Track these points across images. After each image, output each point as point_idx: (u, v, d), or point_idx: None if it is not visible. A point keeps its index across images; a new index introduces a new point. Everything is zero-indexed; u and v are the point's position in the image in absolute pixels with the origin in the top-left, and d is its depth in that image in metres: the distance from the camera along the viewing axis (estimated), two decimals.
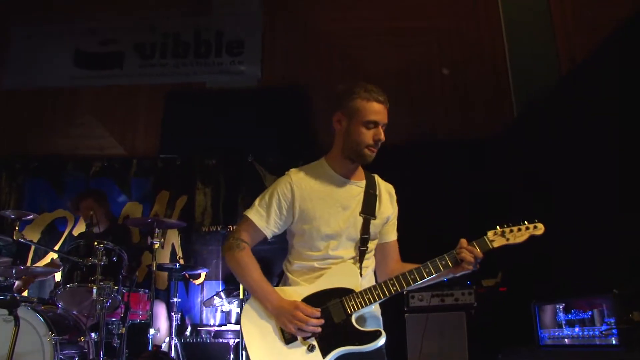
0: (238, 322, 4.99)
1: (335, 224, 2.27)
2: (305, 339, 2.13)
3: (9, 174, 6.30)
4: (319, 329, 2.11)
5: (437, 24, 6.49)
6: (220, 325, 5.26)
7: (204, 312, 5.57)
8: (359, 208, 2.31)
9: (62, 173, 6.34)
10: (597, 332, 2.61)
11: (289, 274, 2.33)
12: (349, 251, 2.28)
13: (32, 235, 5.90)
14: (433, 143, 6.02)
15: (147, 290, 4.67)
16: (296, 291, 2.24)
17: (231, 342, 5.00)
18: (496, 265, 4.86)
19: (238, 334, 4.86)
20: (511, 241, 2.16)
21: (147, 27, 6.84)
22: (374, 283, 2.27)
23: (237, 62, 6.61)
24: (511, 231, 2.17)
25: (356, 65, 6.37)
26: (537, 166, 4.69)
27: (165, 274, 5.56)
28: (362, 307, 2.15)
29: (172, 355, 4.44)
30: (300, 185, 2.30)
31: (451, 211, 5.30)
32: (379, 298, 2.15)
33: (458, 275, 2.21)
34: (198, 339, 5.33)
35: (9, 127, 6.57)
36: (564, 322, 2.84)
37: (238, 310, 5.00)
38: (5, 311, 3.36)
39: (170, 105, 6.49)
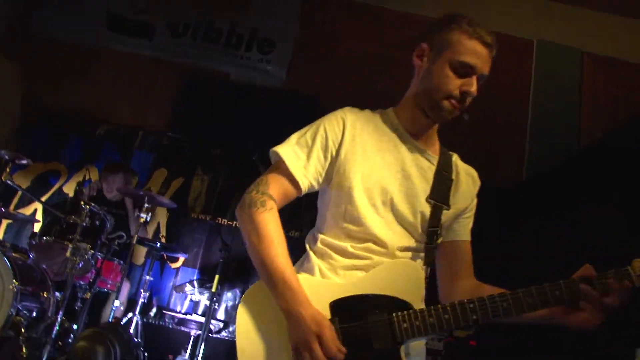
0: (204, 314, 4.92)
1: (390, 191, 1.63)
2: None
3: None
4: None
5: None
6: (186, 314, 5.19)
7: (174, 297, 5.49)
8: (427, 190, 1.68)
9: (66, 128, 6.30)
10: None
11: (311, 255, 1.66)
12: (399, 239, 1.62)
13: (22, 181, 5.84)
14: None
15: (121, 262, 4.60)
16: (322, 287, 1.54)
17: (193, 332, 4.93)
18: None
19: (201, 326, 4.78)
20: None
21: (184, 5, 6.84)
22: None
23: (265, 61, 6.59)
24: None
25: (375, 90, 6.34)
26: (533, 230, 4.65)
27: (144, 250, 5.49)
28: (419, 335, 1.45)
29: (131, 332, 4.36)
30: (355, 126, 1.68)
31: None
32: (447, 327, 1.43)
33: (572, 326, 1.46)
34: (161, 322, 5.27)
35: (28, 72, 6.55)
36: None
37: (207, 302, 4.93)
38: None
39: (189, 86, 6.45)
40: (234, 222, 5.70)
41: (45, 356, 3.49)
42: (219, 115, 6.24)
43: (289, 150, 1.63)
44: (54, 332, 3.58)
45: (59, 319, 3.63)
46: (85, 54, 6.69)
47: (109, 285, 4.45)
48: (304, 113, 6.23)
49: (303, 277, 1.53)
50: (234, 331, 5.14)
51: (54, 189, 5.99)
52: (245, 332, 1.52)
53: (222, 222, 5.72)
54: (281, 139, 5.51)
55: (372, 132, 1.70)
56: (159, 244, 4.62)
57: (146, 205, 4.27)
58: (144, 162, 6.13)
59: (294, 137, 1.68)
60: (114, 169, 5.14)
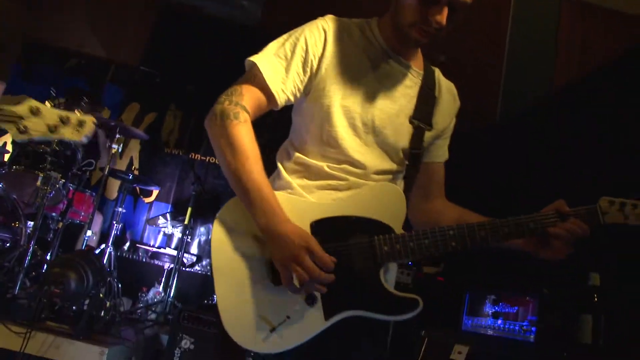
0: (177, 248, 4.97)
1: (370, 112, 1.56)
2: None
3: None
4: (325, 290, 1.40)
5: None
6: (159, 248, 5.23)
7: (147, 231, 5.52)
8: (410, 109, 1.62)
9: (35, 59, 6.13)
10: (517, 327, 2.67)
11: (282, 171, 1.60)
12: (377, 162, 1.58)
13: None
14: None
15: (93, 193, 4.58)
16: (301, 206, 1.49)
17: (166, 266, 4.99)
18: (441, 256, 4.92)
19: (174, 259, 4.84)
20: (631, 222, 1.46)
21: None
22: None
23: None
24: (634, 207, 1.46)
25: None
26: (506, 169, 4.74)
27: (117, 184, 5.47)
28: (399, 258, 1.46)
29: (104, 263, 4.39)
30: (337, 38, 1.58)
31: None
32: (426, 252, 1.45)
33: (542, 257, 1.52)
34: (134, 256, 5.31)
35: None
36: (489, 313, 2.89)
37: (180, 235, 4.97)
38: None
39: (162, 20, 6.31)
40: (207, 158, 5.69)
41: (18, 285, 3.51)
42: (192, 51, 6.11)
43: (267, 62, 1.53)
44: (26, 261, 3.58)
45: (31, 248, 3.63)
46: None
47: (81, 217, 4.45)
48: None
49: (279, 195, 1.46)
50: (207, 265, 5.23)
51: None
52: (221, 248, 1.46)
53: (195, 157, 5.70)
54: None
55: (355, 46, 1.59)
56: (131, 176, 4.60)
57: (117, 135, 4.22)
58: (115, 96, 6.03)
59: (272, 47, 1.56)
60: (77, 92, 5.00)
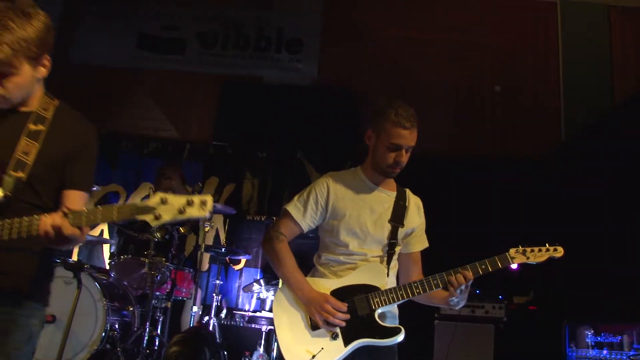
0: (272, 309, 5.19)
1: (363, 223, 2.49)
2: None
3: None
4: (344, 323, 2.32)
5: (495, 40, 6.54)
6: (254, 311, 5.47)
7: (241, 297, 5.80)
8: (388, 215, 2.53)
9: (117, 150, 6.64)
10: (624, 357, 2.72)
11: (318, 266, 2.57)
12: (373, 251, 2.51)
13: (87, 206, 6.19)
14: (475, 157, 6.06)
15: (191, 270, 4.92)
16: (326, 283, 2.46)
17: (264, 328, 5.20)
18: (528, 284, 4.96)
19: (271, 321, 5.05)
20: (531, 260, 2.33)
21: (210, 16, 7.07)
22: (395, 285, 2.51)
23: (296, 60, 6.79)
24: (532, 251, 2.34)
25: (408, 73, 6.45)
26: (578, 190, 4.77)
27: (207, 256, 5.80)
28: (386, 304, 2.35)
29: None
30: (335, 185, 2.55)
31: (483, 225, 5.30)
32: (402, 298, 2.36)
33: (450, 303, 2.40)
34: (232, 322, 5.55)
35: (71, 100, 6.85)
36: (592, 344, 2.95)
37: (273, 298, 5.20)
38: (67, 273, 3.63)
39: (226, 94, 6.70)
40: None
41: None
42: (258, 118, 6.47)
43: (293, 206, 2.53)
44: (144, 341, 3.90)
45: (147, 329, 3.95)
46: (122, 76, 6.99)
47: (183, 293, 4.78)
48: (338, 106, 6.44)
49: (314, 280, 2.49)
50: None
51: None
52: (278, 309, 2.47)
53: (273, 223, 5.95)
54: (320, 134, 5.62)
55: (348, 187, 2.56)
56: (223, 249, 4.91)
57: (208, 215, 4.54)
58: (194, 173, 6.40)
59: (295, 198, 2.58)
60: (169, 170, 5.32)
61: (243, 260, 5.87)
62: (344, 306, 2.33)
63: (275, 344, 4.87)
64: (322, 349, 2.31)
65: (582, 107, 5.97)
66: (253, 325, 5.34)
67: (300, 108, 6.46)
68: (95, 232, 6.18)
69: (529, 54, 6.49)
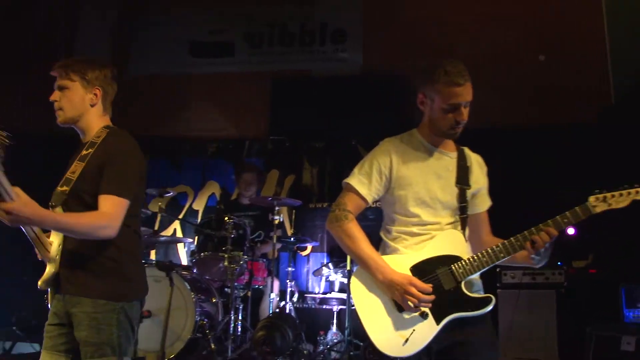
0: (341, 290, 5.55)
1: (431, 191, 2.35)
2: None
3: None
4: (431, 305, 2.17)
5: (535, 9, 6.55)
6: (325, 293, 5.85)
7: (310, 280, 6.19)
8: (454, 178, 2.39)
9: (180, 153, 7.09)
10: None
11: (389, 242, 2.40)
12: (445, 218, 2.37)
13: (156, 208, 6.68)
14: (523, 128, 6.12)
15: (264, 260, 5.32)
16: (403, 259, 2.29)
17: (335, 308, 5.56)
18: (587, 248, 5.09)
19: (341, 301, 5.41)
20: (613, 206, 2.16)
21: (254, 16, 7.36)
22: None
23: (340, 50, 7.03)
24: (613, 196, 2.17)
25: (450, 49, 6.50)
26: (633, 154, 4.83)
27: (276, 246, 6.19)
28: (471, 273, 2.22)
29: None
30: (397, 152, 2.39)
31: (539, 196, 5.30)
32: (487, 265, 2.22)
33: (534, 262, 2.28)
34: (304, 305, 5.94)
35: (132, 111, 7.30)
36: None
37: (342, 280, 5.56)
38: (158, 272, 4.04)
39: (277, 90, 7.02)
40: None
41: (229, 349, 4.24)
42: (311, 110, 6.75)
43: (356, 180, 2.37)
44: (231, 328, 4.31)
45: (232, 317, 4.36)
46: (178, 83, 7.34)
47: (259, 282, 5.18)
48: (385, 91, 6.66)
49: (390, 257, 2.31)
50: None
51: (185, 208, 6.84)
52: (359, 296, 2.29)
53: (336, 201, 6.28)
54: (372, 119, 5.84)
55: (410, 152, 2.41)
56: (292, 238, 5.29)
57: (277, 207, 4.94)
58: None
59: (356, 170, 2.40)
60: (249, 168, 5.87)
61: (309, 247, 6.24)
62: (429, 287, 2.18)
63: (347, 322, 5.22)
64: (414, 330, 2.18)
65: (630, 68, 5.95)
66: (324, 307, 5.71)
67: (349, 96, 6.71)
68: (169, 232, 6.67)
69: (569, 19, 6.44)
